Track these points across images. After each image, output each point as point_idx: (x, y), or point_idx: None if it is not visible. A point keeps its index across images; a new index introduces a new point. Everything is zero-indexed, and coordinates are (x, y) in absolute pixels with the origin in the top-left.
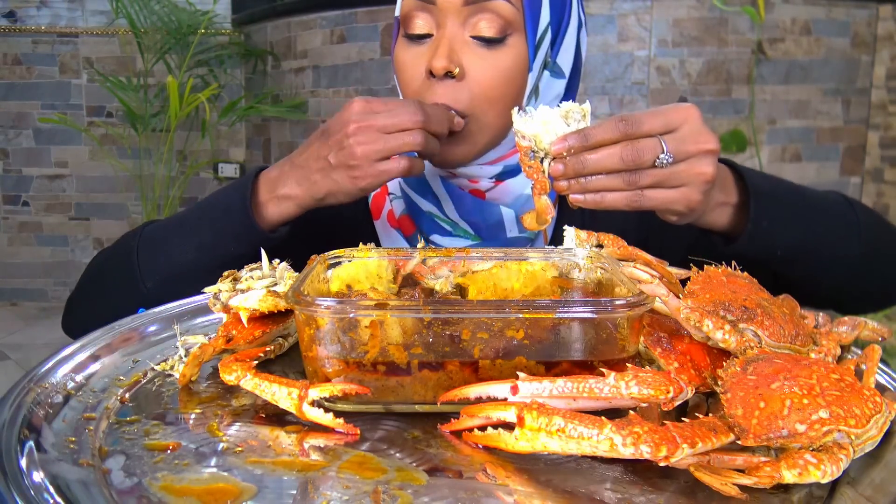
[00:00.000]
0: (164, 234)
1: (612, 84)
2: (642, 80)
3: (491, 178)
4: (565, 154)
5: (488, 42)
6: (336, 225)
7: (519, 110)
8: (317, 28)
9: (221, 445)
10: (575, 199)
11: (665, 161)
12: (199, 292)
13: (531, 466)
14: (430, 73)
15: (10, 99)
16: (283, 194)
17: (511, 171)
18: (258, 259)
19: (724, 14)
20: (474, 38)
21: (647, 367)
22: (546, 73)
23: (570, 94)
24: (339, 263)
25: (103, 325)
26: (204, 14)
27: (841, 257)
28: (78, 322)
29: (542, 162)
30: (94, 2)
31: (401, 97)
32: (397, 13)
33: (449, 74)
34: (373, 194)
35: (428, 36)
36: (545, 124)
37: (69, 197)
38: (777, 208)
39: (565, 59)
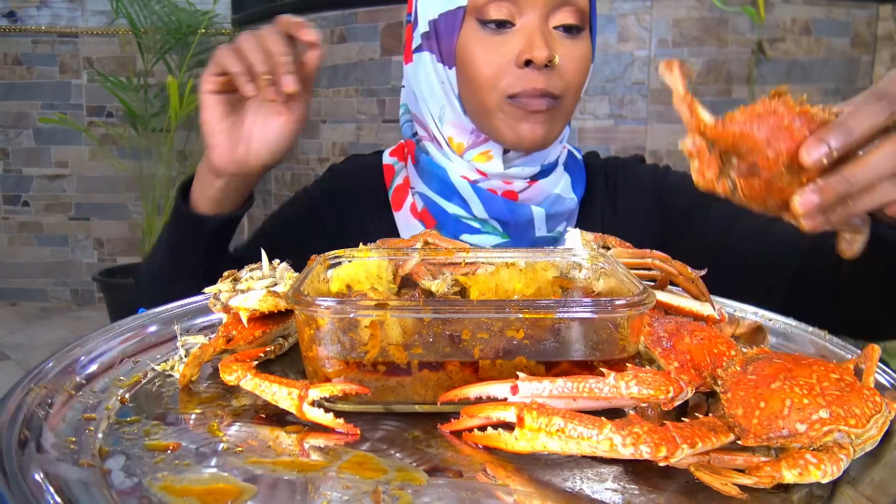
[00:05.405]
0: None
1: (612, 84)
2: (642, 80)
3: (526, 179)
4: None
5: (570, 32)
6: (351, 210)
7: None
8: (317, 28)
9: (221, 445)
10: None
11: None
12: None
13: (531, 466)
14: (525, 63)
15: (10, 99)
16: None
17: (545, 171)
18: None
19: (724, 14)
20: (556, 28)
21: (647, 367)
22: None
23: None
24: (339, 263)
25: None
26: (204, 14)
27: None
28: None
29: None
30: (94, 2)
31: (425, 95)
32: (451, 6)
33: (548, 64)
34: (394, 186)
35: (507, 24)
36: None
37: (69, 197)
38: None
39: None
